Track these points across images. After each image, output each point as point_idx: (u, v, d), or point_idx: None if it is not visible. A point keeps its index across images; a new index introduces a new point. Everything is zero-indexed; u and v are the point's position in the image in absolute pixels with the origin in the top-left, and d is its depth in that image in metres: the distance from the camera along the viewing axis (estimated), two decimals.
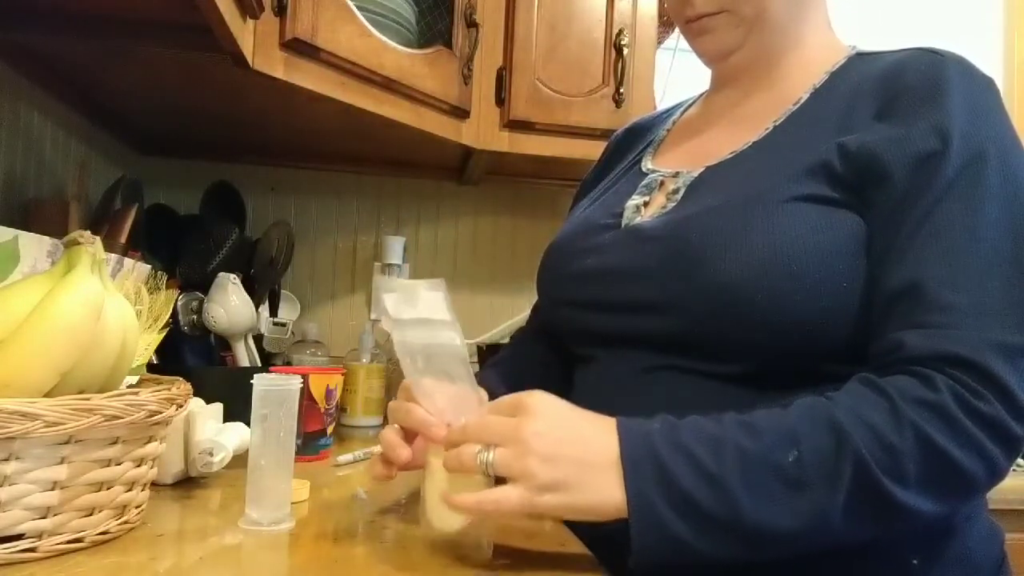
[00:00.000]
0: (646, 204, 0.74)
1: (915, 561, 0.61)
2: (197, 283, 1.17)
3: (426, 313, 0.61)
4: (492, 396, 0.62)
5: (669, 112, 0.90)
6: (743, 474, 0.53)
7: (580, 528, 0.69)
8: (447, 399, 0.60)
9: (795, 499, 0.53)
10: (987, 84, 0.63)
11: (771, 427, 0.55)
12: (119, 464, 0.59)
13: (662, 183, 0.75)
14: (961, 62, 0.64)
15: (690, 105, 0.88)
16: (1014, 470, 1.28)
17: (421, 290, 0.62)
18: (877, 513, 0.53)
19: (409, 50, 1.23)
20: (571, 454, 0.54)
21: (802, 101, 0.70)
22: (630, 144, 0.89)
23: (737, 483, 0.52)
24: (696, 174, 0.71)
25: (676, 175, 0.73)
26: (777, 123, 0.70)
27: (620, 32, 1.42)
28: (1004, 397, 0.54)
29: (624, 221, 0.73)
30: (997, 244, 0.58)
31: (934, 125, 0.60)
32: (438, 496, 0.58)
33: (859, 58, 0.72)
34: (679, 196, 0.71)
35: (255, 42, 1.00)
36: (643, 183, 0.76)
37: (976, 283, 0.56)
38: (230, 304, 1.14)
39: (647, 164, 0.80)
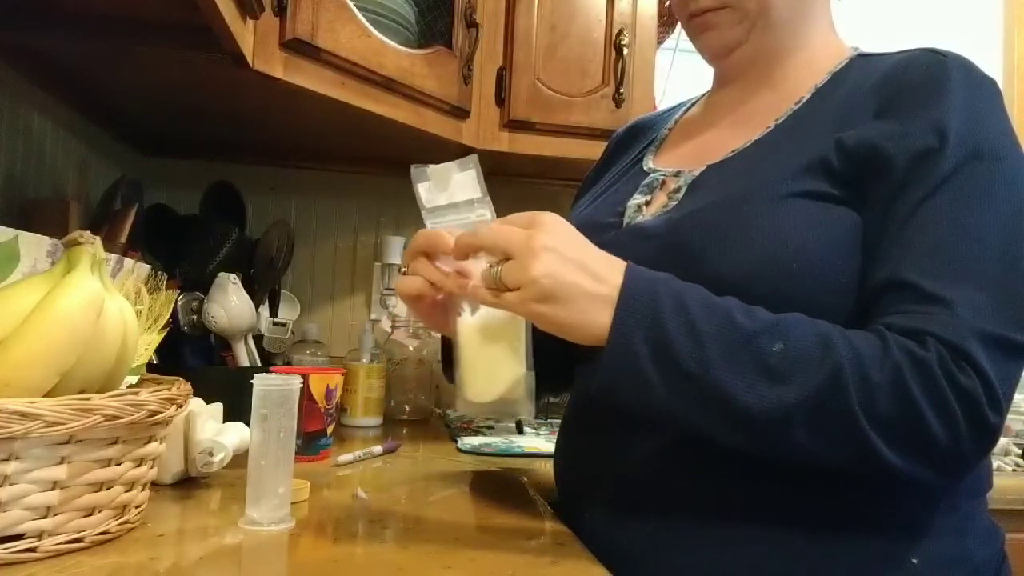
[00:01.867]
0: (647, 203, 0.74)
1: (915, 560, 0.61)
2: (197, 283, 1.17)
3: (458, 195, 0.63)
4: None
5: (671, 111, 0.90)
6: (725, 344, 0.55)
7: (576, 523, 0.69)
8: (476, 265, 0.61)
9: (765, 386, 0.55)
10: (988, 85, 0.64)
11: (767, 317, 0.57)
12: (119, 464, 0.59)
13: (663, 182, 0.75)
14: (963, 62, 0.64)
15: (692, 105, 0.88)
16: (1013, 470, 1.28)
17: (454, 172, 0.63)
18: (838, 431, 0.55)
19: (409, 50, 1.23)
20: (573, 273, 0.56)
21: (804, 100, 0.71)
22: (631, 142, 0.90)
23: (717, 348, 0.55)
24: (697, 173, 0.71)
25: (677, 174, 0.74)
26: (779, 121, 0.70)
27: (620, 32, 1.43)
28: (983, 382, 0.55)
29: (626, 220, 0.74)
30: (985, 240, 0.58)
31: (933, 122, 0.61)
32: (471, 369, 0.60)
33: (861, 59, 0.72)
34: (680, 195, 0.71)
35: (255, 42, 1.00)
36: (644, 182, 0.76)
37: (961, 277, 0.57)
38: (230, 304, 1.14)
39: (648, 163, 0.80)
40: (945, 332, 0.55)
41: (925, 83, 0.63)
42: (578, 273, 0.56)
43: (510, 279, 0.56)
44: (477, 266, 0.59)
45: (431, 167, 0.63)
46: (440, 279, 0.61)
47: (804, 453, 0.56)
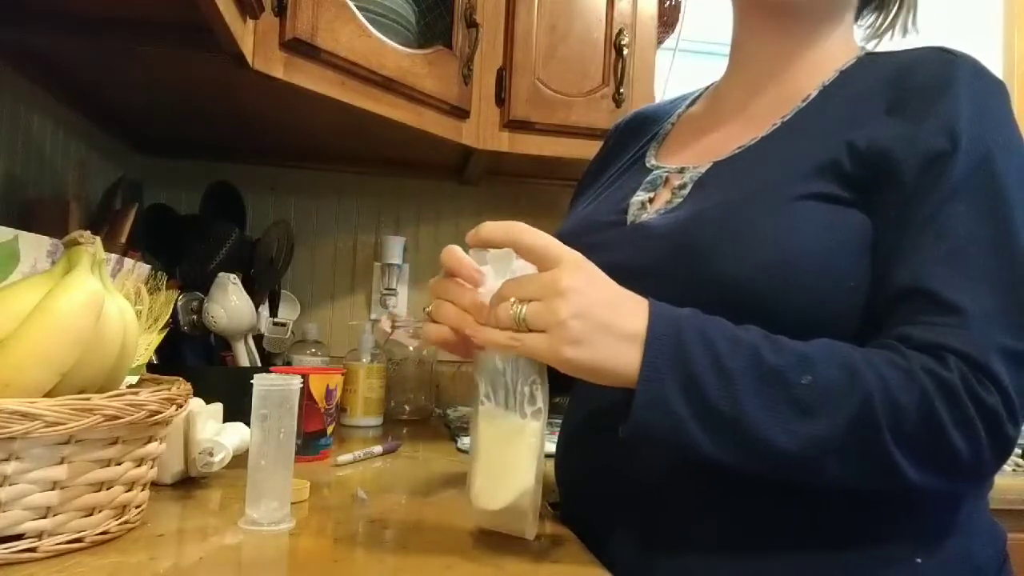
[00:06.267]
0: (651, 200, 0.74)
1: (919, 560, 0.61)
2: (197, 283, 1.17)
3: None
4: None
5: (673, 104, 0.89)
6: (755, 380, 0.54)
7: (576, 524, 0.69)
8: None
9: (796, 421, 0.54)
10: (997, 86, 0.64)
11: (791, 348, 0.56)
12: (119, 464, 0.59)
13: (667, 179, 0.74)
14: (972, 63, 0.64)
15: (696, 99, 0.87)
16: (1013, 470, 1.28)
17: (514, 259, 0.61)
18: (868, 460, 0.55)
19: (409, 50, 1.23)
20: (601, 315, 0.54)
21: (811, 98, 0.70)
22: (633, 136, 0.88)
23: (747, 386, 0.54)
24: (703, 170, 0.71)
25: (682, 171, 0.73)
26: (785, 119, 0.70)
27: (620, 32, 1.42)
28: (1003, 397, 0.55)
29: (629, 218, 0.73)
30: (1003, 247, 0.58)
31: (943, 124, 0.61)
32: (486, 461, 0.59)
33: (869, 58, 0.72)
34: (686, 192, 0.70)
35: (255, 42, 1.00)
36: (647, 179, 0.76)
37: (981, 286, 0.57)
38: (230, 304, 1.14)
39: (651, 160, 0.80)
40: (966, 347, 0.55)
41: (934, 83, 0.63)
42: (605, 314, 0.54)
43: (537, 321, 0.54)
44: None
45: (492, 252, 0.61)
46: (460, 322, 0.59)
47: (834, 482, 0.56)
